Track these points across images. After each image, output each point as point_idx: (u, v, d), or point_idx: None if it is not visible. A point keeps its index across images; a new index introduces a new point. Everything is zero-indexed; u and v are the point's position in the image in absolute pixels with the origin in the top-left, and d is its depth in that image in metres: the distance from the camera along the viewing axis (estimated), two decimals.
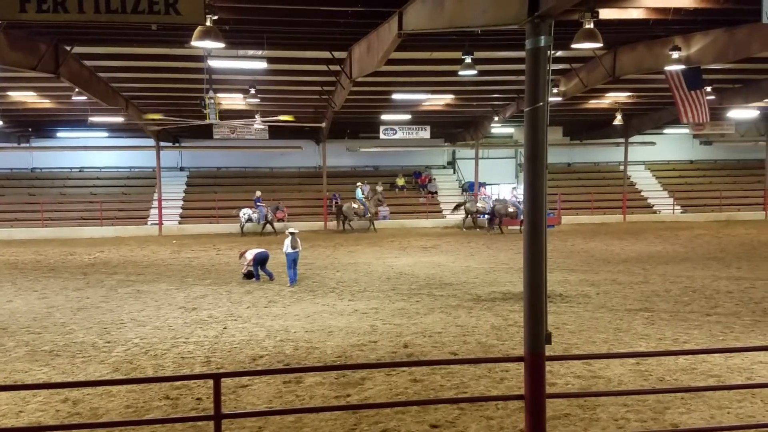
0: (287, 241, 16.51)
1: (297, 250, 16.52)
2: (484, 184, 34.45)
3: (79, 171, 35.29)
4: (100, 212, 31.19)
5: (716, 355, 9.97)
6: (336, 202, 33.65)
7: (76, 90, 20.29)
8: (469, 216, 30.19)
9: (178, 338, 11.74)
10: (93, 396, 8.77)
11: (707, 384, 8.89)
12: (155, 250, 24.61)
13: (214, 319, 13.20)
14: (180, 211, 32.79)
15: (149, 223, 31.64)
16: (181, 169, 36.03)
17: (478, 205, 30.02)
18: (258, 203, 29.74)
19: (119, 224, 30.99)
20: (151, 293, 15.95)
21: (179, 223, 31.70)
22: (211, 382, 6.69)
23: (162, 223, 30.80)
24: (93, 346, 11.36)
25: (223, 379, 7.67)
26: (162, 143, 31.92)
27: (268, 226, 29.32)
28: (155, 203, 31.91)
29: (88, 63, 19.93)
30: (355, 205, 30.23)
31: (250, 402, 8.59)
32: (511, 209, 28.80)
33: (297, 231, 17.14)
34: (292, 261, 16.48)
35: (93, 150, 34.21)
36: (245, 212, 29.12)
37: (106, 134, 33.39)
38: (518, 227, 28.21)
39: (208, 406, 8.22)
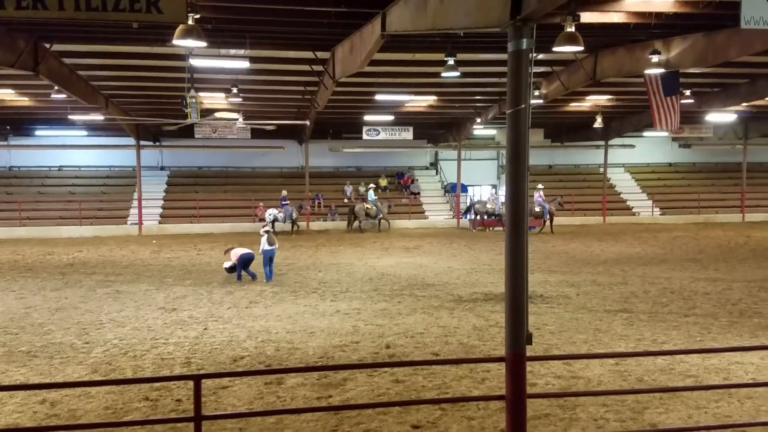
0: (263, 239, 16.90)
1: (274, 247, 16.96)
2: (465, 188, 34.62)
3: (58, 170, 34.88)
4: (79, 211, 30.85)
5: (694, 355, 10.09)
6: (319, 203, 33.61)
7: (56, 88, 20.07)
8: (478, 216, 30.38)
9: (157, 339, 11.64)
10: (71, 397, 8.67)
11: (685, 384, 9.00)
12: (135, 250, 24.39)
13: (194, 319, 13.10)
14: (160, 210, 32.54)
15: (129, 222, 31.37)
16: (162, 168, 35.75)
17: (488, 206, 30.26)
18: (284, 202, 29.87)
19: (98, 224, 30.68)
20: (131, 294, 15.80)
21: (159, 223, 31.48)
22: (191, 383, 6.65)
23: (142, 223, 30.54)
24: (71, 347, 11.23)
25: (203, 380, 7.61)
26: (142, 142, 31.67)
27: (294, 224, 29.61)
28: (135, 203, 31.64)
29: (68, 61, 19.71)
30: (367, 206, 30.38)
31: (230, 403, 8.54)
32: (537, 209, 29.04)
33: (272, 229, 18.18)
34: (269, 258, 16.88)
35: (72, 148, 33.85)
36: (271, 212, 29.18)
37: (85, 133, 33.05)
38: (538, 227, 28.47)
39: (188, 407, 8.16)
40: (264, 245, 16.87)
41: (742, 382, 8.99)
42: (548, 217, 29.26)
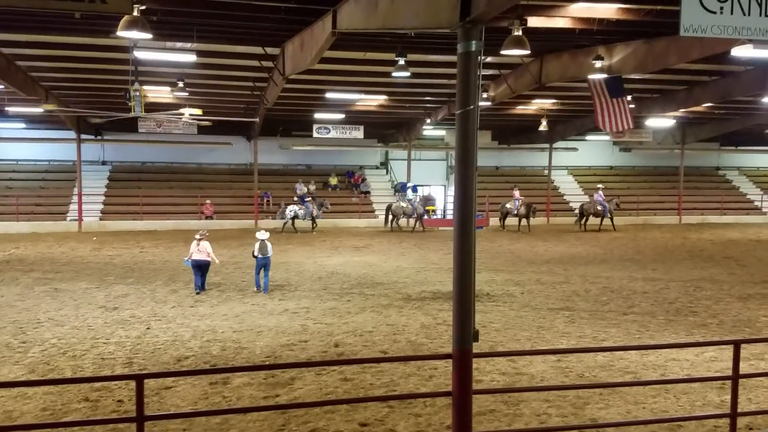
0: (255, 245, 15.35)
1: (267, 255, 15.28)
2: (415, 187, 34.83)
3: None
4: (16, 207, 29.72)
5: (633, 352, 10.43)
6: (267, 201, 33.25)
7: None
8: (507, 215, 30.99)
9: (98, 338, 11.33)
10: (7, 398, 8.36)
11: (624, 380, 9.29)
12: (74, 247, 23.64)
13: (136, 318, 12.80)
14: (101, 206, 31.61)
15: (68, 219, 30.38)
16: (103, 163, 34.70)
17: (507, 205, 30.90)
18: (305, 200, 29.83)
19: (36, 219, 29.58)
20: (70, 292, 15.31)
21: (100, 220, 30.61)
22: (133, 383, 6.49)
23: (82, 219, 29.64)
24: (7, 346, 10.82)
25: (146, 381, 7.43)
26: (83, 136, 30.71)
27: (312, 222, 29.63)
28: (75, 198, 30.65)
29: (5, 50, 18.96)
30: (403, 204, 30.39)
31: (174, 404, 8.38)
32: (599, 207, 30.74)
33: (268, 235, 15.56)
34: (261, 266, 15.35)
35: (9, 141, 32.60)
36: (292, 209, 29.19)
37: (23, 125, 31.84)
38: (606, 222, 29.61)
39: (130, 408, 7.97)
40: (256, 252, 15.27)
41: (678, 378, 9.34)
42: (609, 215, 30.92)
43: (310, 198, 30.55)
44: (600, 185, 32.29)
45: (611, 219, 31.08)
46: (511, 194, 31.89)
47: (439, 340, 11.34)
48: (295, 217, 29.11)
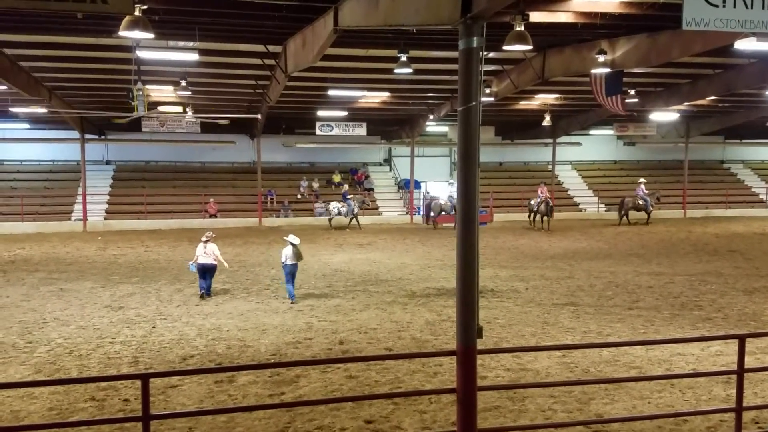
0: (285, 251, 14.25)
1: (296, 262, 14.23)
2: (418, 184, 34.83)
3: None
4: (20, 207, 29.79)
5: (638, 347, 10.41)
6: (271, 199, 33.27)
7: None
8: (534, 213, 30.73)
9: (103, 338, 11.36)
10: (14, 398, 8.39)
11: (629, 375, 9.28)
12: (79, 246, 23.71)
13: (142, 318, 12.84)
14: (106, 206, 31.69)
15: (73, 218, 30.46)
16: (107, 162, 34.78)
17: (532, 202, 30.82)
18: (346, 197, 30.18)
19: (41, 220, 29.65)
20: (75, 292, 15.36)
21: (105, 219, 30.67)
22: (138, 382, 6.53)
23: (87, 219, 29.70)
24: (13, 346, 10.86)
25: (151, 380, 7.46)
26: (87, 135, 30.77)
27: (353, 220, 29.87)
28: (79, 198, 30.73)
29: (8, 51, 18.99)
30: (441, 202, 30.55)
31: (180, 402, 8.41)
32: (640, 202, 30.93)
33: (299, 242, 14.40)
34: (290, 274, 14.23)
35: (13, 142, 32.67)
36: (335, 206, 29.63)
37: (27, 126, 31.91)
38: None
39: (136, 407, 8.00)
40: (284, 259, 14.20)
41: (684, 373, 9.32)
42: (650, 209, 31.10)
43: (351, 196, 30.78)
44: (642, 179, 32.26)
45: (648, 214, 31.16)
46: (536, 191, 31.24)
47: (444, 336, 11.34)
48: (338, 213, 29.51)
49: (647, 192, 31.61)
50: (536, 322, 12.28)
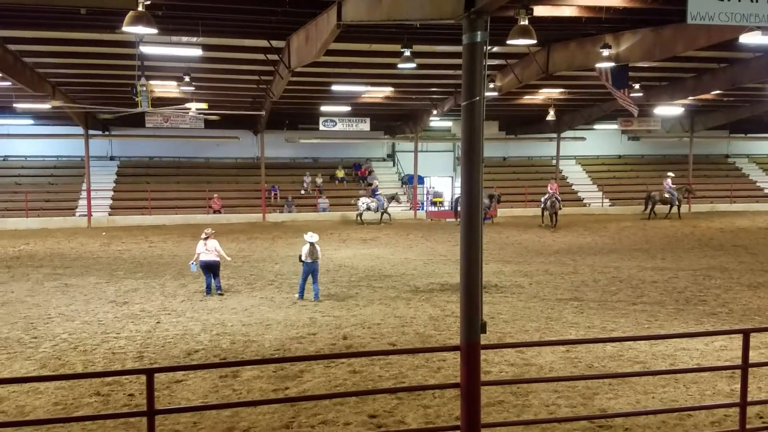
0: (303, 249, 13.86)
1: (316, 260, 13.87)
2: (422, 179, 34.80)
3: (3, 160, 33.70)
4: (25, 203, 29.90)
5: (642, 342, 10.41)
6: (275, 194, 33.30)
7: (0, 75, 19.33)
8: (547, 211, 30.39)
9: (108, 333, 11.40)
10: (19, 393, 8.43)
11: (633, 370, 9.27)
12: (84, 242, 23.77)
13: (146, 313, 12.87)
14: (110, 202, 31.77)
15: (77, 214, 30.54)
16: (111, 158, 34.86)
17: (542, 199, 30.48)
18: (376, 193, 30.50)
19: (46, 215, 29.76)
20: (80, 287, 15.41)
21: (109, 215, 30.74)
22: (143, 377, 6.55)
23: (91, 215, 29.75)
24: (18, 341, 10.91)
25: (156, 375, 7.49)
26: (91, 131, 30.81)
27: (384, 215, 30.20)
28: (84, 194, 30.78)
29: (12, 47, 19.03)
30: (486, 201, 30.27)
31: (184, 397, 8.44)
32: (666, 195, 31.27)
33: (317, 238, 13.97)
34: (308, 273, 13.85)
35: (17, 138, 32.78)
36: (364, 201, 29.99)
37: (31, 121, 31.98)
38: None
39: (141, 402, 8.03)
40: (304, 257, 13.81)
41: (688, 368, 9.31)
42: (677, 203, 31.29)
43: (380, 191, 30.92)
44: (670, 173, 32.29)
45: (678, 207, 31.32)
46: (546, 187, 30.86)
47: (448, 331, 11.35)
48: (367, 209, 29.68)
49: (674, 186, 31.73)
50: (540, 317, 12.28)
